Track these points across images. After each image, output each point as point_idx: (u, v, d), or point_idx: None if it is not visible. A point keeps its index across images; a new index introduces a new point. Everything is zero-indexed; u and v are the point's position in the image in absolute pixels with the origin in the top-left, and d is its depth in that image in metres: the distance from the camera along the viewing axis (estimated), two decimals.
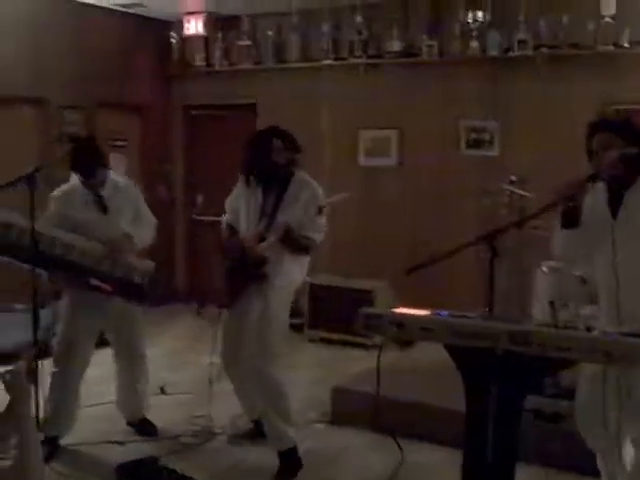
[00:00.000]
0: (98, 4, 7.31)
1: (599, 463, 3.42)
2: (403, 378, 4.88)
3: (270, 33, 7.67)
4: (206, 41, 8.04)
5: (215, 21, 7.97)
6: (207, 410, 4.64)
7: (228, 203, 4.33)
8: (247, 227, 4.14)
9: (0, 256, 3.98)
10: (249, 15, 7.75)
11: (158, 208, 8.21)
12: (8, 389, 2.44)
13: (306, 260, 4.21)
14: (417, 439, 4.37)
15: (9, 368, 2.46)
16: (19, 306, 5.50)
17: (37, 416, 3.41)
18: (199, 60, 8.09)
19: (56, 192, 4.26)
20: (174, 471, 3.90)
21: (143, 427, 4.55)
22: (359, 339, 6.19)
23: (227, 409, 4.63)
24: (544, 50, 6.41)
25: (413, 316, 3.16)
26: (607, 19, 6.11)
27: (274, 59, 7.69)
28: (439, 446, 4.29)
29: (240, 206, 4.20)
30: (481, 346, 2.94)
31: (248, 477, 4.05)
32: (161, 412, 4.78)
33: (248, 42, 7.78)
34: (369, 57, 7.18)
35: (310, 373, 5.80)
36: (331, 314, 6.63)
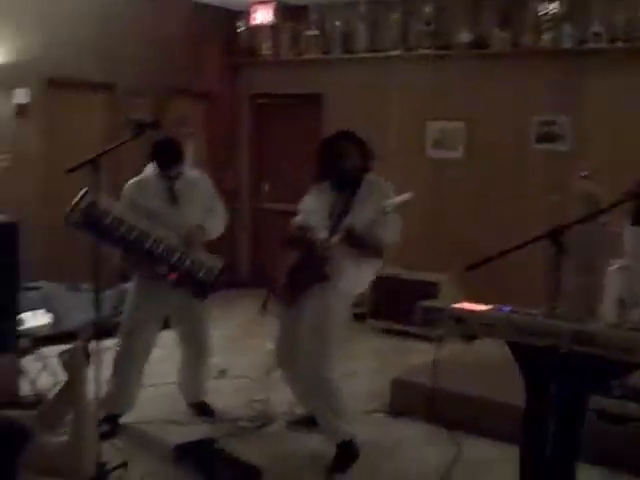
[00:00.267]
0: None
1: None
2: (464, 371, 4.84)
3: (338, 23, 7.66)
4: (273, 31, 8.08)
5: (283, 10, 7.98)
6: (266, 395, 4.67)
7: (302, 204, 4.31)
8: (316, 226, 4.09)
9: (85, 232, 4.07)
10: (317, 5, 7.75)
11: (223, 196, 8.37)
12: (66, 368, 2.49)
13: (377, 264, 4.15)
14: (475, 433, 4.32)
15: (67, 347, 2.51)
16: (86, 286, 5.63)
17: (96, 395, 3.48)
18: (266, 49, 8.14)
19: (130, 182, 4.37)
20: (230, 454, 3.95)
21: (202, 409, 4.61)
22: (421, 331, 6.15)
23: (286, 395, 4.63)
24: (619, 44, 6.23)
25: (473, 311, 3.12)
26: None
27: (342, 49, 7.67)
28: (497, 441, 4.22)
29: (312, 209, 4.18)
30: (543, 344, 2.89)
31: (304, 464, 4.05)
32: (220, 395, 4.83)
33: (316, 32, 7.79)
34: (438, 48, 7.11)
35: (371, 363, 5.79)
36: (394, 305, 6.60)
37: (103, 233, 3.83)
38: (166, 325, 4.62)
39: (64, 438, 2.28)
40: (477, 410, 4.46)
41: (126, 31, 7.20)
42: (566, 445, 3.00)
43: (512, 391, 4.17)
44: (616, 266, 4.95)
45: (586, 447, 3.03)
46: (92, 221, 3.89)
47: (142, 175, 4.40)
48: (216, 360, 5.11)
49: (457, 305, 3.20)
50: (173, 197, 4.33)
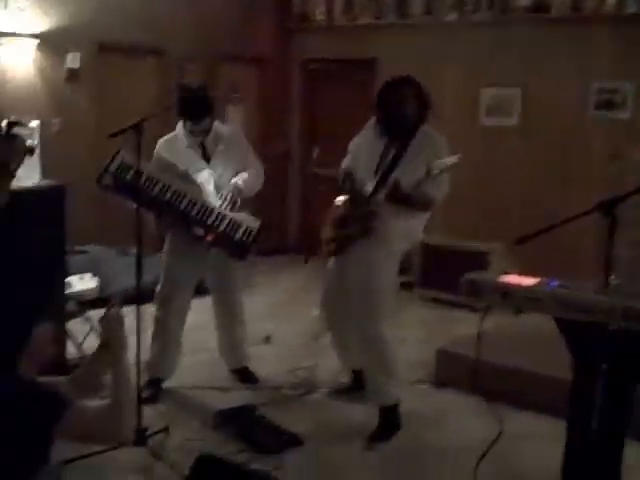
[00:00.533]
0: None
1: None
2: (510, 343, 4.73)
3: None
4: None
5: None
6: (310, 363, 4.64)
7: (352, 145, 4.20)
8: (363, 176, 3.99)
9: (118, 195, 4.06)
10: None
11: (274, 160, 8.38)
12: (103, 332, 2.49)
13: (424, 217, 4.03)
14: (519, 407, 4.22)
15: (103, 313, 2.51)
16: (133, 250, 5.61)
17: (138, 360, 3.49)
18: (319, 14, 8.01)
19: (160, 140, 4.29)
20: (271, 421, 3.94)
21: (244, 376, 4.60)
22: (469, 301, 6.01)
23: (330, 363, 4.61)
24: None
25: (519, 285, 3.01)
26: None
27: (396, 14, 7.51)
28: (541, 415, 4.14)
29: (361, 153, 4.07)
30: (592, 321, 2.78)
31: (345, 433, 4.01)
32: (264, 362, 4.82)
33: None
34: (496, 12, 6.88)
35: (417, 332, 5.72)
36: (442, 274, 6.48)
37: (136, 195, 3.73)
38: (205, 291, 4.60)
39: (101, 403, 2.28)
40: (522, 383, 4.37)
41: None
42: (614, 422, 2.90)
43: (558, 364, 4.07)
44: None
45: (635, 424, 2.93)
46: (124, 183, 3.86)
47: (171, 134, 4.31)
48: (261, 326, 5.11)
49: (503, 278, 3.10)
50: (205, 154, 4.23)
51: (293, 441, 3.80)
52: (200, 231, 4.10)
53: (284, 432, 3.86)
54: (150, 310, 4.23)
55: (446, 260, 6.50)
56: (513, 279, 3.05)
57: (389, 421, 4.02)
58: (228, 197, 4.18)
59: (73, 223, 4.65)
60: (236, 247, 4.18)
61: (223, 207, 4.16)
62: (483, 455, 3.29)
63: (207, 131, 4.22)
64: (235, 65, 7.84)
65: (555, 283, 2.99)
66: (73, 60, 6.52)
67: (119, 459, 3.42)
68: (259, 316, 4.92)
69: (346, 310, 4.06)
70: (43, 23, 6.30)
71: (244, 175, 4.28)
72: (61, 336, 4.40)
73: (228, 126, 4.47)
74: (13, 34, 6.07)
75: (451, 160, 3.70)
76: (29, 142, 3.65)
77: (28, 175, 4.39)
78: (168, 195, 4.06)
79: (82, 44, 6.52)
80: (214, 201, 4.16)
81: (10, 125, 3.45)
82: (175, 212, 4.09)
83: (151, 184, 3.99)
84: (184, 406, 4.26)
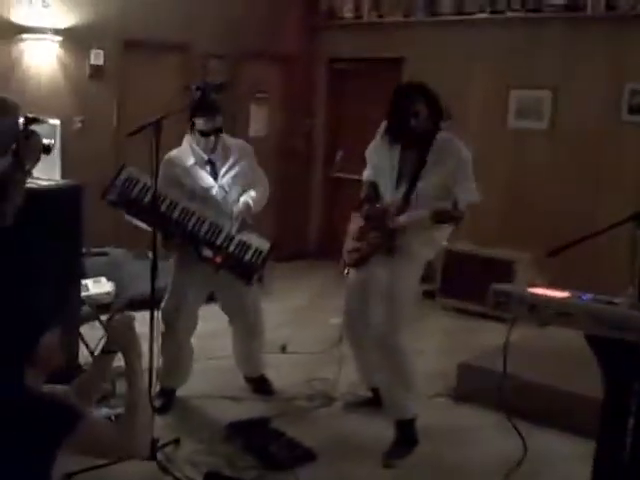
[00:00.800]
0: None
1: None
2: (536, 358, 4.53)
3: None
4: None
5: None
6: (326, 373, 4.50)
7: (369, 153, 4.05)
8: (385, 187, 3.87)
9: (123, 211, 3.94)
10: None
11: (296, 162, 8.26)
12: (110, 338, 2.36)
13: (450, 227, 3.86)
14: (545, 425, 4.05)
15: (115, 317, 2.39)
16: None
17: (151, 367, 3.38)
18: (347, 11, 7.86)
19: (167, 156, 4.09)
20: (283, 435, 3.80)
21: (260, 385, 4.47)
22: (492, 311, 5.83)
23: (347, 374, 4.46)
24: None
25: (548, 298, 2.85)
26: None
27: (425, 12, 7.34)
28: (566, 433, 3.97)
29: (380, 166, 3.93)
30: (626, 338, 2.61)
31: (361, 448, 3.87)
32: (280, 371, 4.70)
33: None
34: (528, 11, 6.69)
35: (438, 343, 5.55)
36: (466, 283, 6.29)
37: (142, 212, 3.62)
38: (212, 298, 4.45)
39: (106, 413, 2.18)
40: (547, 400, 4.19)
41: None
42: None
43: (585, 381, 3.91)
44: None
45: None
46: (130, 199, 3.72)
47: (179, 148, 4.15)
48: (278, 334, 4.98)
49: (532, 290, 2.94)
50: (213, 170, 4.08)
51: (306, 456, 3.67)
52: (209, 252, 3.94)
53: (297, 446, 3.73)
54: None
55: (469, 268, 6.31)
56: (542, 291, 2.89)
57: (406, 436, 3.87)
58: (238, 216, 4.01)
59: (92, 224, 4.57)
60: (245, 269, 4.00)
61: (233, 227, 3.99)
62: (507, 475, 3.15)
63: (218, 130, 4.05)
64: (260, 63, 7.72)
65: (587, 297, 2.82)
66: (97, 57, 6.46)
67: (126, 472, 3.31)
68: (276, 323, 4.79)
69: (370, 321, 3.92)
70: (67, 19, 6.24)
71: (252, 193, 4.12)
72: (74, 340, 4.31)
73: (237, 141, 4.28)
74: (37, 30, 6.01)
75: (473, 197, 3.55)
76: (46, 141, 3.58)
77: (47, 174, 4.32)
78: (176, 213, 3.91)
79: (106, 41, 6.46)
80: (223, 219, 4.01)
81: (28, 121, 3.35)
82: (183, 231, 3.93)
83: (158, 201, 3.80)
84: (195, 416, 4.14)
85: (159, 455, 3.51)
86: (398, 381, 3.83)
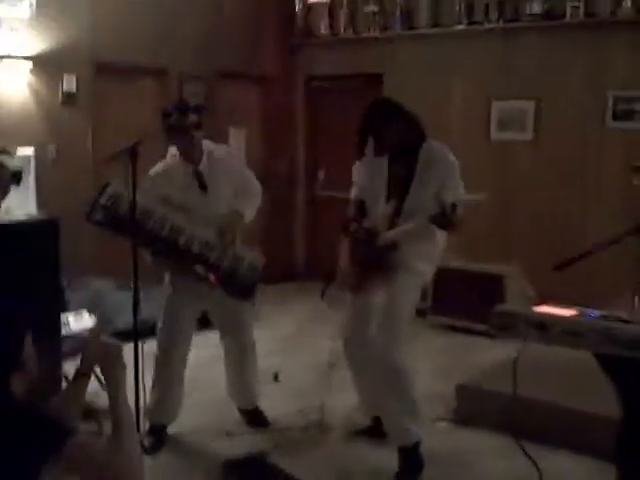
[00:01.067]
0: None
1: None
2: (538, 375, 4.35)
3: None
4: (331, 8, 7.71)
5: None
6: (321, 401, 4.33)
7: (355, 170, 3.94)
8: (375, 203, 3.77)
9: (110, 231, 3.76)
10: None
11: (278, 183, 8.12)
12: (83, 363, 2.17)
13: (443, 239, 3.77)
14: (553, 445, 3.88)
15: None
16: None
17: (137, 403, 3.20)
18: (323, 28, 7.76)
19: (151, 171, 3.94)
20: (282, 471, 3.62)
21: (254, 417, 4.29)
22: (486, 327, 5.72)
23: (344, 400, 4.30)
24: None
25: (557, 317, 2.73)
26: None
27: (402, 26, 7.25)
28: (581, 454, 3.81)
29: (367, 185, 3.83)
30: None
31: (365, 479, 3.70)
32: (273, 401, 4.51)
33: (375, 8, 7.38)
34: (506, 21, 6.63)
35: (432, 363, 5.38)
36: (456, 299, 6.17)
37: (130, 230, 3.45)
38: (208, 323, 4.31)
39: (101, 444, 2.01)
40: (554, 419, 4.03)
41: (178, 13, 6.89)
42: None
43: (595, 398, 3.78)
44: None
45: None
46: (117, 217, 3.54)
47: (163, 162, 3.97)
48: (268, 362, 4.80)
49: (538, 309, 2.82)
50: (200, 182, 3.88)
51: None
52: (202, 269, 3.77)
53: None
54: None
55: (459, 284, 6.18)
56: (549, 310, 2.77)
57: (410, 463, 3.71)
58: (230, 227, 3.84)
59: (71, 255, 4.39)
60: (239, 285, 3.85)
61: (225, 239, 3.82)
62: None
63: (199, 157, 3.88)
64: (237, 83, 7.58)
65: (595, 314, 2.71)
66: (69, 82, 6.27)
67: None
68: (266, 350, 4.60)
69: (370, 342, 3.77)
70: (37, 44, 6.06)
71: (243, 200, 3.95)
72: (57, 376, 4.12)
73: (221, 147, 4.11)
74: (5, 56, 5.83)
75: (476, 197, 3.36)
76: (15, 168, 3.42)
77: (22, 206, 4.14)
78: (165, 230, 3.71)
79: (78, 66, 6.27)
80: (213, 234, 3.82)
81: None
82: (174, 249, 3.75)
83: (146, 218, 3.64)
84: (188, 455, 3.94)
85: None
86: (399, 404, 3.68)
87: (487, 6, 6.68)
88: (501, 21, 6.63)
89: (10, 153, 3.47)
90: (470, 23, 6.82)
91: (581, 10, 6.21)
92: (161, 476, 3.55)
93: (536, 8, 6.42)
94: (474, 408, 4.32)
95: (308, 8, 7.84)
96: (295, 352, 5.66)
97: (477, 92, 6.87)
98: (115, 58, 6.41)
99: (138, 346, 3.42)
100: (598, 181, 6.30)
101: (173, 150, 3.94)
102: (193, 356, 4.16)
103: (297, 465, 3.71)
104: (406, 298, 3.71)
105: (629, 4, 5.96)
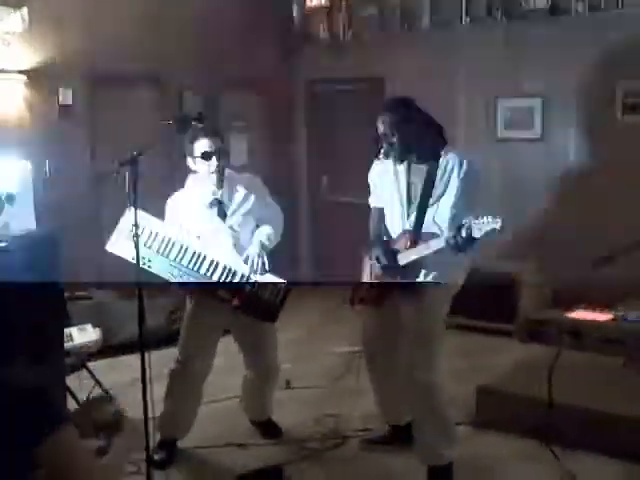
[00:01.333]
0: None
1: None
2: (559, 377, 4.22)
3: None
4: (329, 11, 7.59)
5: None
6: (336, 409, 4.17)
7: (372, 177, 3.75)
8: (393, 216, 3.58)
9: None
10: None
11: (281, 189, 7.96)
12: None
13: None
14: (583, 450, 3.73)
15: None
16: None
17: (145, 416, 3.06)
18: (322, 32, 7.65)
19: (171, 198, 3.87)
20: None
21: (267, 429, 4.13)
22: (502, 326, 5.58)
23: (360, 407, 4.13)
24: None
25: (592, 323, 2.57)
26: None
27: (403, 26, 7.14)
28: (611, 459, 3.65)
29: (383, 184, 3.64)
30: None
31: None
32: (286, 410, 4.36)
33: (374, 10, 7.27)
34: (510, 17, 6.50)
35: (449, 365, 5.19)
36: (471, 299, 6.00)
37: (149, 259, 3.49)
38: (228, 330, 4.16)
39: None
40: (587, 423, 3.82)
41: (173, 23, 6.78)
42: None
43: (621, 398, 3.64)
44: None
45: None
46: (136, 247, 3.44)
47: (183, 189, 3.90)
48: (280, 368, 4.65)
49: (571, 314, 2.66)
50: (221, 210, 3.80)
51: None
52: (226, 294, 3.68)
53: None
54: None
55: (473, 283, 6.00)
56: (583, 315, 2.61)
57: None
58: (255, 260, 3.72)
59: (73, 267, 4.29)
60: (262, 308, 3.73)
61: (249, 271, 3.71)
62: None
63: (223, 152, 3.77)
64: (236, 91, 7.46)
65: (632, 318, 2.55)
66: (65, 96, 6.17)
67: None
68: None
69: (391, 355, 3.65)
70: (31, 58, 5.96)
71: (266, 229, 3.84)
72: (61, 393, 3.98)
73: (242, 174, 4.00)
74: (0, 71, 5.73)
75: (490, 224, 3.15)
76: (7, 191, 3.36)
77: (21, 222, 4.03)
78: (186, 259, 3.68)
79: (74, 79, 6.17)
80: (236, 262, 3.72)
81: None
82: (196, 278, 3.69)
83: (167, 247, 3.65)
84: (200, 470, 3.78)
85: None
86: (433, 424, 3.50)
87: (490, 2, 6.57)
88: (504, 17, 6.51)
89: None
90: (473, 20, 6.70)
91: (586, 3, 6.09)
92: None
93: (540, 3, 6.29)
94: (494, 411, 4.16)
95: (306, 12, 7.73)
96: (305, 357, 5.47)
97: (482, 90, 6.71)
98: (111, 71, 6.27)
99: (144, 357, 3.28)
100: (610, 178, 6.10)
101: (191, 179, 3.87)
102: None
103: (313, 476, 3.58)
104: (437, 315, 3.56)
105: None
